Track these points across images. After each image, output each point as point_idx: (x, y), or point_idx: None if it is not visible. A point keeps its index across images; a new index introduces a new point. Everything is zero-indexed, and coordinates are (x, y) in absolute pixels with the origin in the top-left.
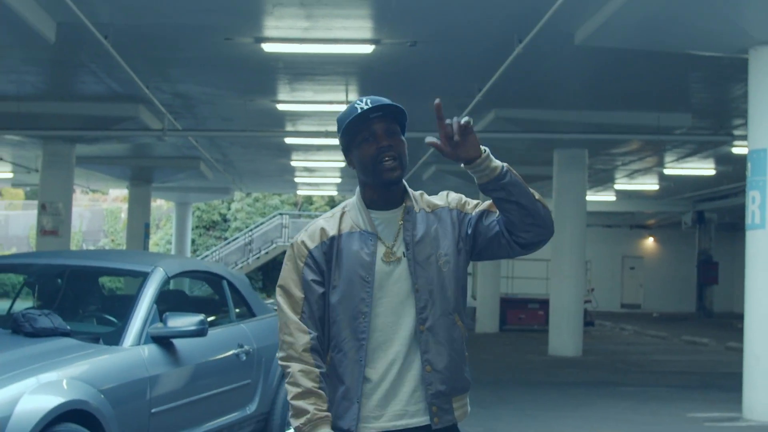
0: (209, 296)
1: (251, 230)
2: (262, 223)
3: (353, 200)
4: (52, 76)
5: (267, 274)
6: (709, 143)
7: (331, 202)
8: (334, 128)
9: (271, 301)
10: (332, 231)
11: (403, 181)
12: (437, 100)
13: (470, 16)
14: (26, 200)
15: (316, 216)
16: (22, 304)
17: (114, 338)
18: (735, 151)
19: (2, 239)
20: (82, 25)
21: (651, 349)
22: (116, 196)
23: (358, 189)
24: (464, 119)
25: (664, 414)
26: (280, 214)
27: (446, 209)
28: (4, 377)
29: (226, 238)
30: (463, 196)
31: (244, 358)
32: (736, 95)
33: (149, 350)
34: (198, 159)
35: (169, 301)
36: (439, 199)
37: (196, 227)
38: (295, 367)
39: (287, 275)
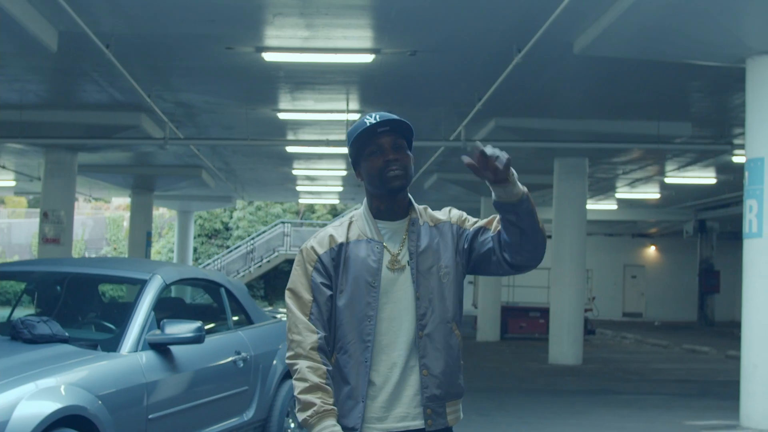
0: (207, 304)
1: (253, 239)
2: (264, 232)
3: (360, 210)
4: (54, 85)
5: (269, 283)
6: (709, 152)
7: (333, 211)
8: (335, 137)
9: (270, 309)
10: (341, 238)
11: (409, 195)
12: (478, 147)
13: (469, 25)
14: (29, 208)
15: (318, 224)
16: (22, 311)
17: (112, 345)
18: (735, 159)
19: (5, 247)
20: (83, 34)
21: (651, 358)
22: (119, 205)
23: (365, 200)
24: (505, 158)
25: (662, 422)
26: (282, 222)
27: (448, 223)
28: (2, 383)
29: (228, 247)
30: (464, 213)
31: (242, 364)
32: (736, 104)
33: (147, 357)
34: (200, 167)
35: (167, 309)
36: (442, 214)
37: (198, 235)
38: (303, 364)
39: (297, 279)
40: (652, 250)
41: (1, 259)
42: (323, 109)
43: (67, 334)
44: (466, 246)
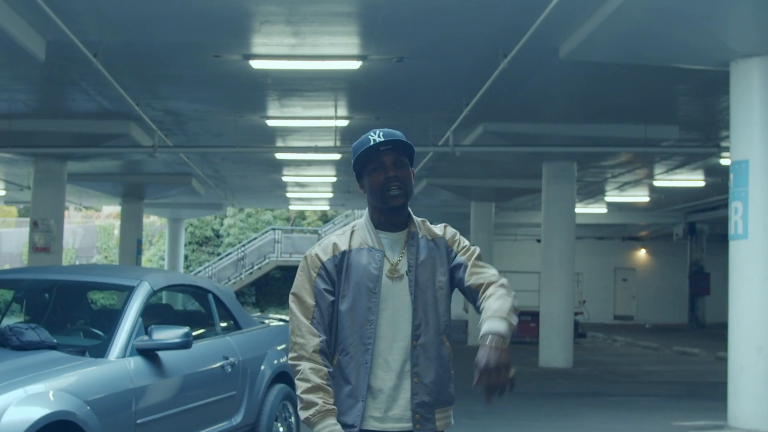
0: (195, 310)
1: (244, 246)
2: (255, 239)
3: (362, 220)
4: (42, 94)
5: (260, 289)
6: (697, 155)
7: (324, 217)
8: (323, 143)
9: (259, 314)
10: (343, 246)
11: (409, 208)
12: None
13: (455, 31)
14: (19, 217)
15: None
16: (11, 319)
17: (100, 351)
18: (723, 162)
19: None
20: (71, 43)
21: (642, 360)
22: (109, 213)
23: (367, 210)
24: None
25: (650, 423)
26: (273, 229)
27: (443, 240)
28: None
29: (219, 254)
30: (457, 233)
31: (230, 369)
32: (722, 107)
33: (135, 362)
34: (190, 175)
35: (155, 315)
36: (439, 230)
37: (189, 243)
38: (305, 365)
39: (300, 284)
40: (642, 253)
41: None
42: (312, 116)
43: (55, 340)
44: (450, 267)
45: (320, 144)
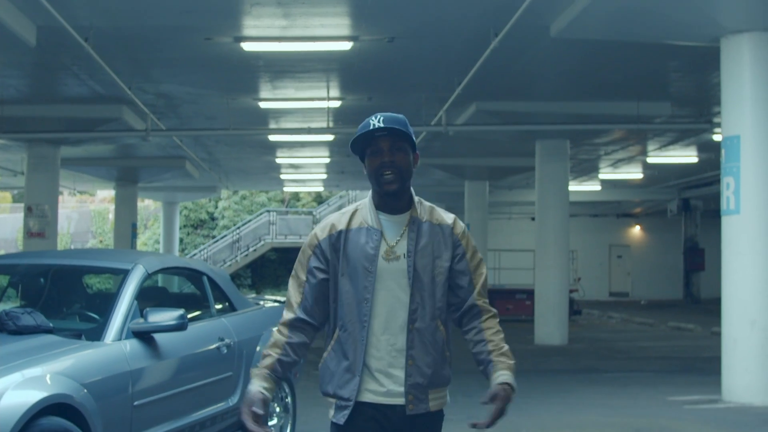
0: (190, 292)
1: (239, 228)
2: (249, 221)
3: (366, 200)
4: (34, 80)
5: (256, 271)
6: (689, 131)
7: (318, 198)
8: (316, 124)
9: (255, 296)
10: (341, 226)
11: (411, 190)
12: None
13: (446, 11)
14: (13, 203)
15: (304, 212)
16: (7, 304)
17: (96, 334)
18: (716, 138)
19: None
20: (62, 28)
21: (637, 336)
22: (103, 197)
23: (371, 190)
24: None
25: (645, 398)
26: (268, 211)
27: (449, 228)
28: None
29: (214, 237)
30: (466, 230)
31: (225, 351)
32: (714, 83)
33: (131, 345)
34: (183, 158)
35: (150, 298)
36: (448, 218)
37: (184, 226)
38: (274, 334)
39: (299, 260)
40: (636, 230)
41: None
42: (304, 97)
43: (51, 324)
44: (449, 266)
45: (313, 125)
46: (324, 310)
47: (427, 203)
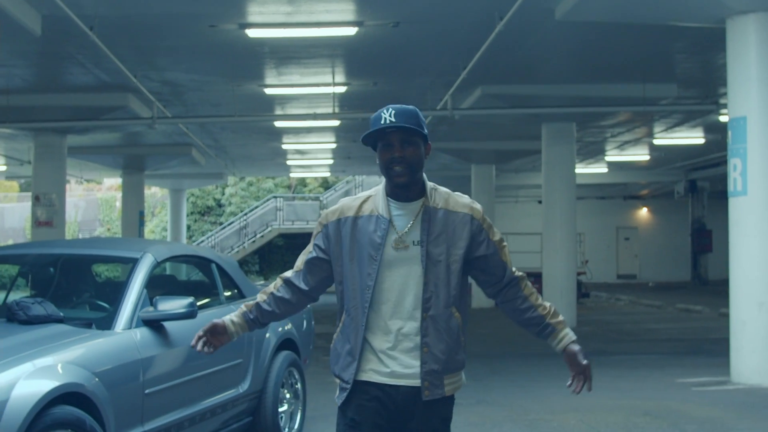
0: (199, 280)
1: (246, 214)
2: (256, 207)
3: (380, 187)
4: (40, 69)
5: (263, 257)
6: (696, 112)
7: (325, 184)
8: (322, 110)
9: (263, 282)
10: (350, 212)
11: (425, 177)
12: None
13: None
14: (21, 192)
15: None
16: (17, 294)
17: (106, 323)
18: (722, 119)
19: None
20: (67, 17)
21: (645, 318)
22: (110, 185)
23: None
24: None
25: (654, 380)
26: (275, 197)
27: (468, 216)
28: (0, 363)
29: (221, 223)
30: (486, 218)
31: (235, 338)
32: (720, 64)
33: (141, 333)
34: (189, 145)
35: (159, 286)
36: (464, 204)
37: (191, 213)
38: (271, 284)
39: (313, 234)
40: (644, 212)
41: None
42: (309, 83)
43: (61, 314)
44: (473, 255)
45: (319, 111)
46: (317, 282)
47: (443, 189)
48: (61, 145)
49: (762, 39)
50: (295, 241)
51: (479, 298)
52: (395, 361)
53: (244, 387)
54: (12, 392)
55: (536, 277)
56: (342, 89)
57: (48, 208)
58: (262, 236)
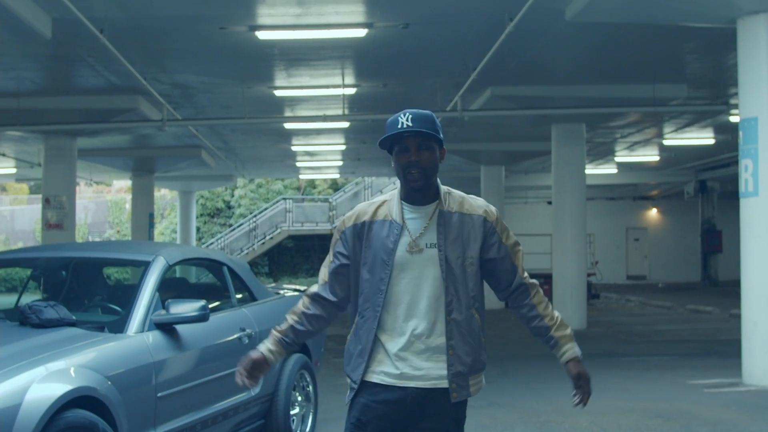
0: (211, 282)
1: (255, 216)
2: (266, 209)
3: (395, 191)
4: (50, 72)
5: (273, 259)
6: (706, 113)
7: (334, 185)
8: (332, 112)
9: (274, 285)
10: (366, 217)
11: (438, 183)
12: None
13: None
14: (31, 195)
15: (320, 199)
16: (29, 297)
17: (118, 326)
18: (733, 119)
19: (8, 234)
20: (77, 20)
21: (655, 320)
22: (120, 187)
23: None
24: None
25: (665, 382)
26: (284, 198)
27: (481, 218)
28: (13, 367)
29: (230, 225)
30: (498, 214)
31: (247, 341)
32: (730, 64)
33: (153, 337)
34: (199, 147)
35: (171, 289)
36: (478, 207)
37: (201, 215)
38: (298, 302)
39: (332, 244)
40: (653, 213)
41: (5, 246)
42: (319, 85)
43: (74, 317)
44: (486, 256)
45: (328, 112)
46: (345, 291)
47: (458, 193)
48: (72, 147)
49: None
50: (305, 243)
51: (488, 299)
52: (405, 363)
53: (255, 390)
54: (25, 396)
55: (546, 279)
56: (352, 91)
57: (58, 211)
58: (271, 238)
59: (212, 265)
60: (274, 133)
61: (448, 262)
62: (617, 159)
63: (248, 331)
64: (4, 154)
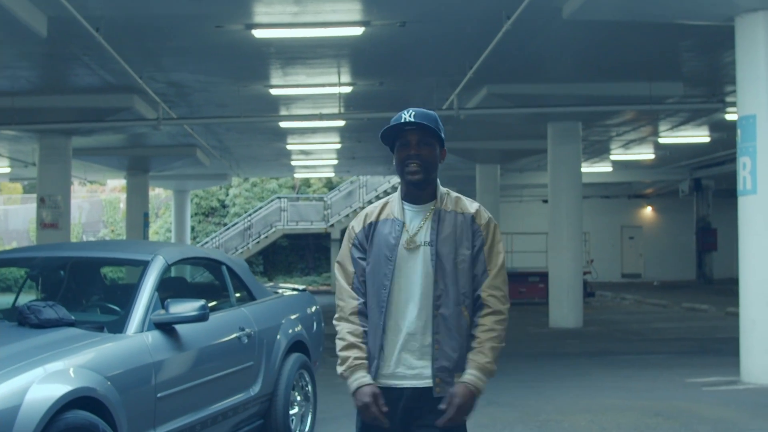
0: (209, 282)
1: (250, 215)
2: (260, 208)
3: (397, 193)
4: (45, 70)
5: (267, 258)
6: (702, 111)
7: (329, 184)
8: (327, 110)
9: (271, 284)
10: (372, 218)
11: (438, 184)
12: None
13: None
14: (24, 194)
15: (315, 198)
16: (26, 298)
17: (118, 326)
18: (729, 117)
19: (2, 233)
20: (72, 18)
21: (651, 318)
22: (114, 186)
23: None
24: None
25: (664, 380)
26: (279, 197)
27: (471, 217)
28: (12, 368)
29: (225, 224)
30: (491, 220)
31: (246, 340)
32: (726, 62)
33: (152, 337)
34: (194, 146)
35: (170, 288)
36: (471, 207)
37: (195, 214)
38: (343, 326)
39: (343, 253)
40: (648, 211)
41: None
42: (315, 83)
43: (73, 317)
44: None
45: (324, 111)
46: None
47: (455, 194)
48: (67, 146)
49: None
50: (299, 242)
51: None
52: (400, 363)
53: (255, 390)
54: (25, 397)
55: (542, 277)
56: (348, 89)
57: (53, 210)
58: (266, 237)
59: (211, 265)
60: (270, 132)
61: (439, 258)
62: (612, 157)
63: (247, 330)
64: None
